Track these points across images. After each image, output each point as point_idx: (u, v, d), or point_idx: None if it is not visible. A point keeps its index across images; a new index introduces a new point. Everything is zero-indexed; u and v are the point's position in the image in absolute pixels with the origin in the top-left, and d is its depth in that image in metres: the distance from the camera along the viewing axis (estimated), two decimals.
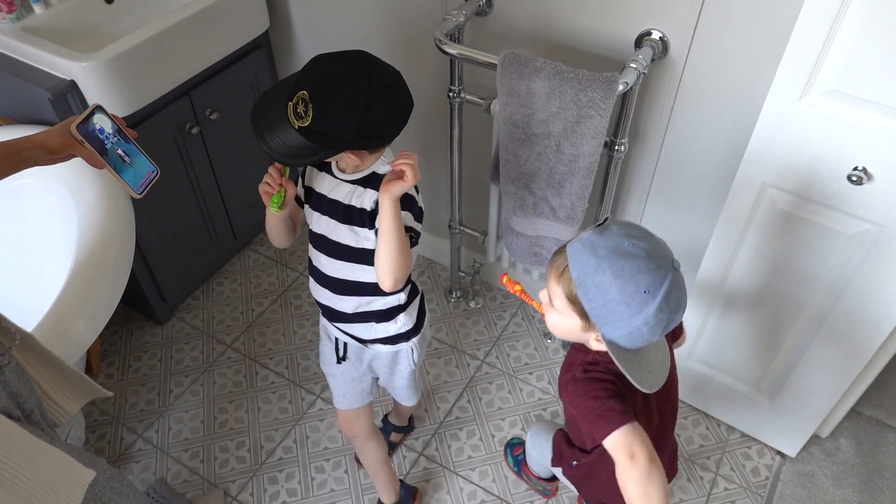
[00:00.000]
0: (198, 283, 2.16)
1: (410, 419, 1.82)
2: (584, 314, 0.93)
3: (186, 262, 2.03)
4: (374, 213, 1.13)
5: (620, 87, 1.28)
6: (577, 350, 1.08)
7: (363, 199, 1.15)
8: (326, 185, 1.18)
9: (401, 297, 1.26)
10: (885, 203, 1.20)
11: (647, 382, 0.95)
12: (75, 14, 1.68)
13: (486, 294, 2.15)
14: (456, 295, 2.13)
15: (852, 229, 1.27)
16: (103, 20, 1.74)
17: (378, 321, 1.27)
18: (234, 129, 1.96)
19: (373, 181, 1.14)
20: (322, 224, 1.20)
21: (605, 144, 1.45)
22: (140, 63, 1.55)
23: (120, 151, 0.98)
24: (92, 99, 1.52)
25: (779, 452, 1.78)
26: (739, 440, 1.81)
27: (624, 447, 0.91)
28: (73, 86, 1.51)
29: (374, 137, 1.04)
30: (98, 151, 0.95)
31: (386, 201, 1.05)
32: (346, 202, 1.16)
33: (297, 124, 1.00)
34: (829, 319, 1.42)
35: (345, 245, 1.19)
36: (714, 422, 1.84)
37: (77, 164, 1.01)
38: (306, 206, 1.24)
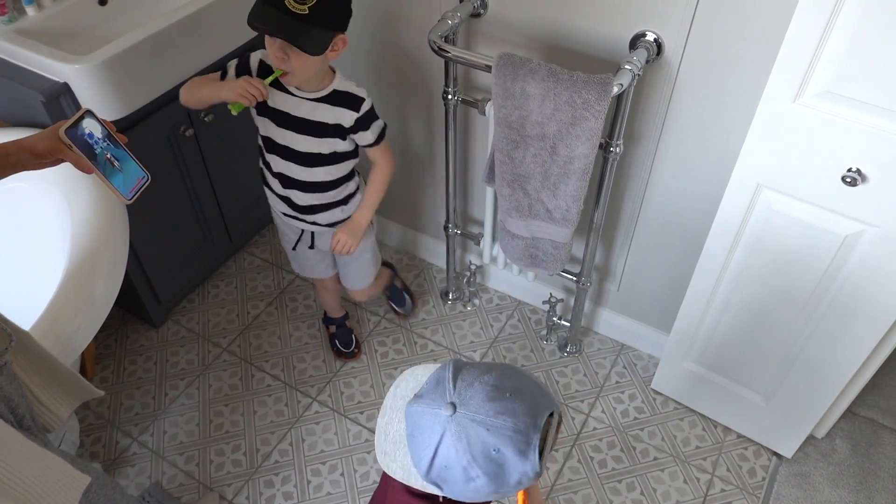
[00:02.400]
0: (193, 285, 2.15)
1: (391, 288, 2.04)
2: None
3: (181, 264, 2.02)
4: (350, 128, 1.40)
5: (615, 89, 1.28)
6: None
7: (339, 116, 1.38)
8: (290, 104, 1.37)
9: (357, 181, 1.56)
10: (879, 204, 1.21)
11: (384, 460, 0.88)
12: (68, 16, 1.67)
13: (482, 296, 2.14)
14: (451, 297, 2.13)
15: (846, 230, 1.28)
16: (97, 22, 1.73)
17: (341, 205, 1.56)
18: (229, 132, 1.95)
19: (340, 99, 1.37)
20: (287, 137, 1.41)
21: (600, 146, 1.45)
22: (134, 65, 1.54)
23: (109, 156, 0.97)
24: (85, 101, 1.52)
25: (775, 453, 1.78)
26: (736, 441, 1.81)
27: None
28: (66, 88, 1.50)
29: (350, 13, 1.26)
30: (87, 156, 0.94)
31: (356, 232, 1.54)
32: (317, 119, 1.37)
33: (304, 6, 1.16)
34: (824, 320, 1.42)
35: (317, 153, 1.42)
36: (710, 423, 1.84)
37: (71, 167, 1.00)
38: (262, 118, 1.41)
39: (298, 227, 1.60)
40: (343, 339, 1.98)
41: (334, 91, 1.37)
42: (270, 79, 1.31)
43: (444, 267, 2.12)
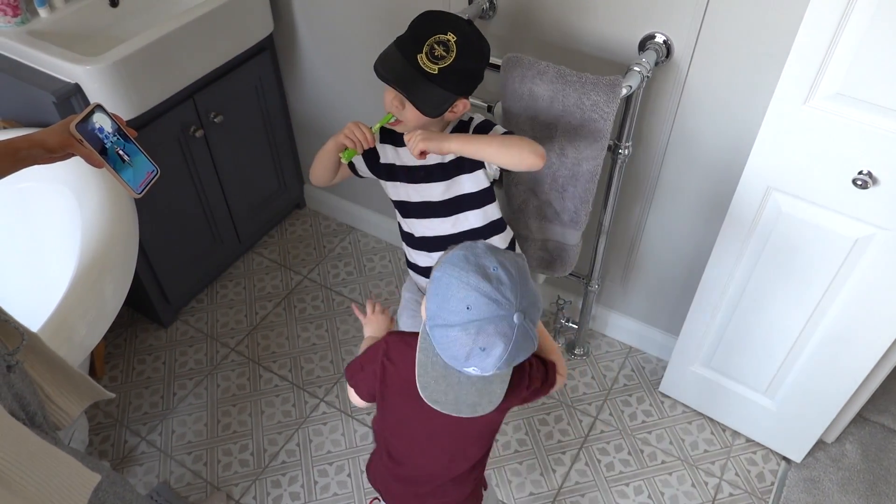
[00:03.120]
0: (202, 286, 2.16)
1: None
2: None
3: (190, 265, 2.03)
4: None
5: (624, 91, 1.28)
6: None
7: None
8: (409, 157, 1.29)
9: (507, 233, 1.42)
10: (890, 206, 1.20)
11: (426, 389, 0.96)
12: (80, 17, 1.69)
13: None
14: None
15: (857, 233, 1.27)
16: (108, 23, 1.74)
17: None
18: (238, 132, 1.96)
19: (456, 128, 1.29)
20: (422, 191, 1.32)
21: (609, 148, 1.45)
22: (144, 66, 1.55)
23: (119, 151, 0.97)
24: (96, 101, 1.53)
25: (784, 458, 1.77)
26: (744, 445, 1.80)
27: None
28: (77, 89, 1.51)
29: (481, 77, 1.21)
30: (97, 151, 0.94)
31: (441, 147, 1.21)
32: (443, 161, 1.29)
33: (435, 66, 1.13)
34: (834, 323, 1.41)
35: (466, 194, 1.32)
36: (719, 426, 1.83)
37: (81, 165, 1.00)
38: (390, 183, 1.35)
39: None
40: None
41: (459, 123, 1.31)
42: (379, 125, 1.26)
43: None
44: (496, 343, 0.90)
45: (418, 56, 1.14)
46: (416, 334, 1.02)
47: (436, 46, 1.13)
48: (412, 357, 0.98)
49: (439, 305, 0.92)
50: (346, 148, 1.24)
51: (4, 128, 1.71)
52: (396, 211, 1.40)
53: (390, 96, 1.21)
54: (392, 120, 1.25)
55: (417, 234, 1.38)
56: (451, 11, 1.53)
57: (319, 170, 1.36)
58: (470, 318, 0.89)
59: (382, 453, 1.20)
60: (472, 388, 0.97)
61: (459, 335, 0.90)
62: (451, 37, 1.13)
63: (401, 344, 1.07)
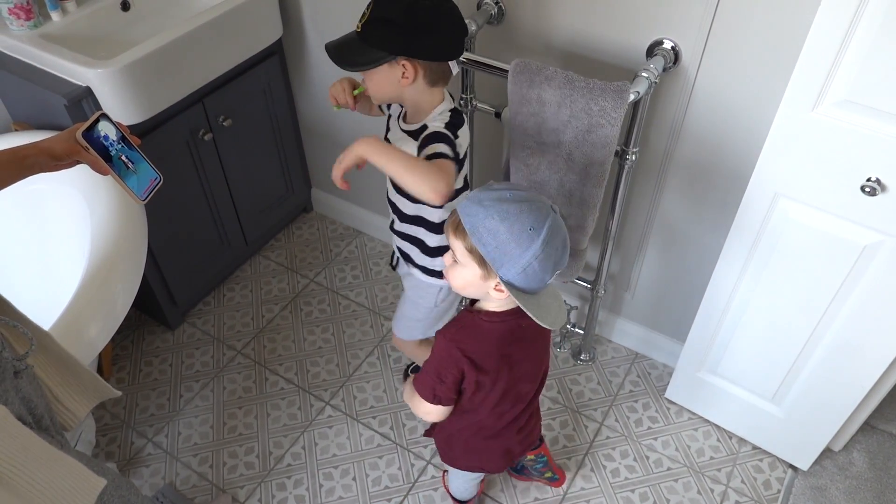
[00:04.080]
0: (209, 288, 2.17)
1: None
2: (482, 262, 1.02)
3: (198, 267, 2.04)
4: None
5: (631, 97, 1.28)
6: (467, 311, 1.17)
7: (406, 147, 1.24)
8: (392, 133, 1.34)
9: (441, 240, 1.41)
10: None
11: (547, 319, 1.05)
12: (92, 21, 1.70)
13: None
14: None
15: (866, 240, 1.26)
16: (119, 27, 1.76)
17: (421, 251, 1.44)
18: (247, 136, 1.97)
19: (421, 133, 1.24)
20: None
21: (616, 153, 1.45)
22: (155, 70, 1.56)
23: (124, 158, 0.99)
24: (106, 105, 1.54)
25: (791, 465, 1.76)
26: (751, 452, 1.79)
27: (426, 407, 1.19)
28: (88, 92, 1.52)
29: (423, 33, 1.15)
30: (103, 158, 0.96)
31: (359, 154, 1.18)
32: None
33: (358, 26, 1.17)
34: (841, 331, 1.41)
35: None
36: (725, 433, 1.83)
37: (89, 169, 1.01)
38: None
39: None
40: None
41: (423, 126, 1.26)
42: (356, 91, 1.33)
43: None
44: (562, 233, 1.02)
45: (358, 22, 1.19)
46: (456, 321, 1.15)
47: (366, 8, 1.18)
48: (482, 329, 1.11)
49: (503, 252, 0.99)
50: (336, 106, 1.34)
51: (16, 130, 1.73)
52: None
53: None
54: (363, 90, 1.30)
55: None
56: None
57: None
58: (539, 236, 0.98)
59: (498, 431, 1.28)
60: (552, 295, 1.11)
61: (540, 252, 0.98)
62: (371, 4, 1.17)
63: (460, 333, 1.13)
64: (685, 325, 1.74)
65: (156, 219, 1.69)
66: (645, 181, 1.62)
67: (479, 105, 1.61)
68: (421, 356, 1.77)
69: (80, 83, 1.53)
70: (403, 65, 1.19)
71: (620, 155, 1.46)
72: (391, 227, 1.49)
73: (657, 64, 1.33)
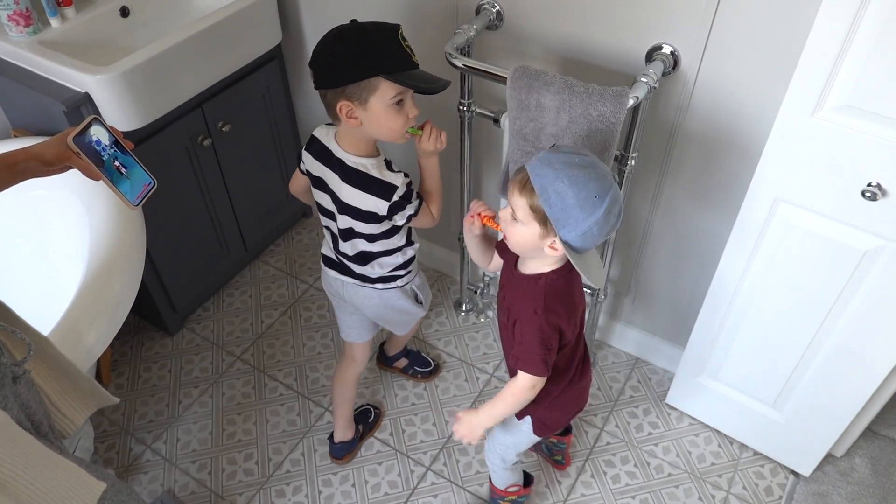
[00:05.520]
0: (208, 294, 2.17)
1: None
2: (544, 221, 1.07)
3: (197, 273, 2.04)
4: (386, 215, 1.32)
5: (631, 102, 1.28)
6: (528, 278, 1.19)
7: (370, 204, 1.31)
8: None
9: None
10: None
11: (596, 279, 1.12)
12: (91, 27, 1.70)
13: (494, 308, 2.14)
14: (465, 308, 2.12)
15: (866, 245, 1.26)
16: (119, 33, 1.76)
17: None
18: (246, 141, 1.97)
19: (373, 185, 1.30)
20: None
21: (616, 158, 1.45)
22: (154, 76, 1.56)
23: (117, 163, 0.98)
24: (105, 111, 1.54)
25: (792, 471, 1.75)
26: (752, 458, 1.78)
27: (529, 385, 1.20)
28: (87, 98, 1.52)
29: (334, 68, 1.18)
30: (95, 163, 0.94)
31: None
32: (357, 206, 1.33)
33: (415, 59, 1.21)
34: (843, 336, 1.40)
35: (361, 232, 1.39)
36: (726, 439, 1.82)
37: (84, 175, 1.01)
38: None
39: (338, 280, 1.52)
40: (418, 362, 1.95)
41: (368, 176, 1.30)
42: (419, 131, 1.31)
43: (458, 278, 2.12)
44: (620, 202, 1.07)
45: (413, 59, 1.20)
46: (534, 295, 1.16)
47: (405, 41, 1.20)
48: (558, 289, 1.16)
49: (567, 215, 1.03)
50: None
51: (16, 136, 1.73)
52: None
53: (405, 111, 1.24)
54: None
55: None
56: (459, 23, 1.54)
57: (478, 256, 1.37)
58: (603, 203, 1.02)
59: (583, 369, 1.34)
60: (593, 254, 1.17)
61: (602, 219, 1.03)
62: (399, 28, 1.21)
63: (547, 301, 1.16)
64: (685, 331, 1.73)
65: (155, 224, 1.69)
66: (644, 186, 1.61)
67: (478, 110, 1.61)
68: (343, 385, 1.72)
69: (78, 89, 1.53)
70: (340, 106, 1.23)
71: (620, 160, 1.46)
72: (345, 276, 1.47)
73: (656, 69, 1.33)
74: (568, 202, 1.02)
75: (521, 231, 1.11)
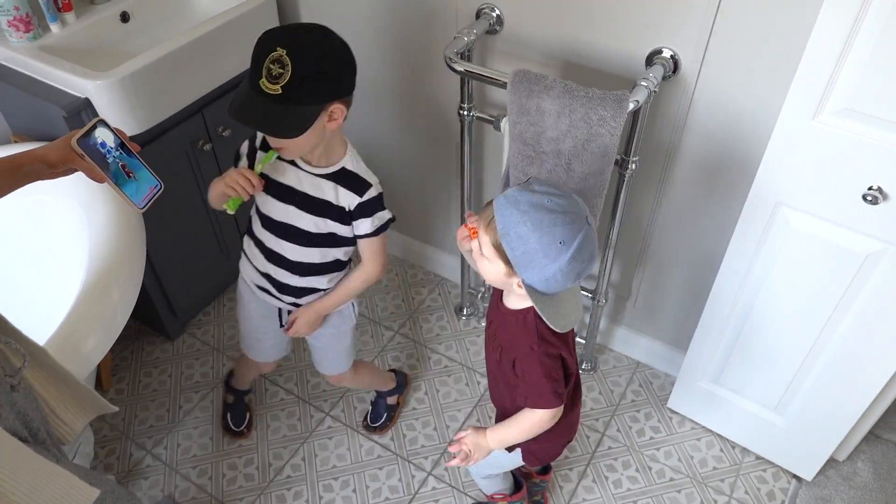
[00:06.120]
0: (209, 298, 2.17)
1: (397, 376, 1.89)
2: (508, 261, 1.03)
3: (198, 277, 2.03)
4: (352, 213, 1.27)
5: (631, 106, 1.28)
6: (515, 313, 1.16)
7: (340, 197, 1.26)
8: (292, 177, 1.26)
9: (348, 272, 1.42)
10: None
11: (559, 324, 1.06)
12: (91, 33, 1.71)
13: None
14: (466, 312, 2.12)
15: (867, 249, 1.25)
16: (119, 38, 1.76)
17: (323, 291, 1.41)
18: None
19: (346, 179, 1.24)
20: (284, 213, 1.28)
21: (616, 162, 1.44)
22: (154, 81, 1.56)
23: (122, 165, 0.97)
24: (106, 116, 1.54)
25: (795, 476, 1.74)
26: (754, 463, 1.77)
27: (549, 417, 1.18)
28: (87, 103, 1.52)
29: (346, 71, 1.12)
30: (99, 165, 0.94)
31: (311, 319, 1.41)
32: (319, 196, 1.26)
33: (277, 86, 1.04)
34: (845, 340, 1.40)
35: (308, 232, 1.29)
36: (728, 443, 1.81)
37: (89, 179, 1.01)
38: (263, 194, 1.29)
39: (273, 304, 1.46)
40: (237, 414, 1.84)
41: (343, 169, 1.24)
42: (261, 165, 1.20)
43: (459, 282, 2.11)
44: (591, 246, 1.02)
45: (260, 82, 1.05)
46: (526, 335, 1.13)
47: (272, 66, 1.04)
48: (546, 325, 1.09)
49: (529, 259, 0.99)
50: (230, 197, 1.19)
51: (16, 142, 1.73)
52: (255, 216, 1.36)
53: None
54: (274, 158, 1.20)
55: (267, 245, 1.35)
56: (459, 28, 1.54)
57: (216, 202, 1.30)
58: (569, 250, 0.98)
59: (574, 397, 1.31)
60: (571, 292, 1.12)
61: (566, 266, 0.99)
62: (280, 51, 1.04)
63: (541, 339, 1.13)
64: (687, 334, 1.73)
65: (155, 229, 1.69)
66: (645, 190, 1.61)
67: (478, 115, 1.61)
68: (368, 378, 1.75)
69: (79, 95, 1.53)
70: (332, 110, 1.12)
71: (620, 164, 1.45)
72: (267, 289, 1.42)
73: (657, 73, 1.33)
74: (530, 247, 0.98)
75: (487, 267, 1.07)
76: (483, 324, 2.11)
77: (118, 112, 1.53)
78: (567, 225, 0.98)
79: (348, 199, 1.26)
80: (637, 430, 1.85)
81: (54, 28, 1.64)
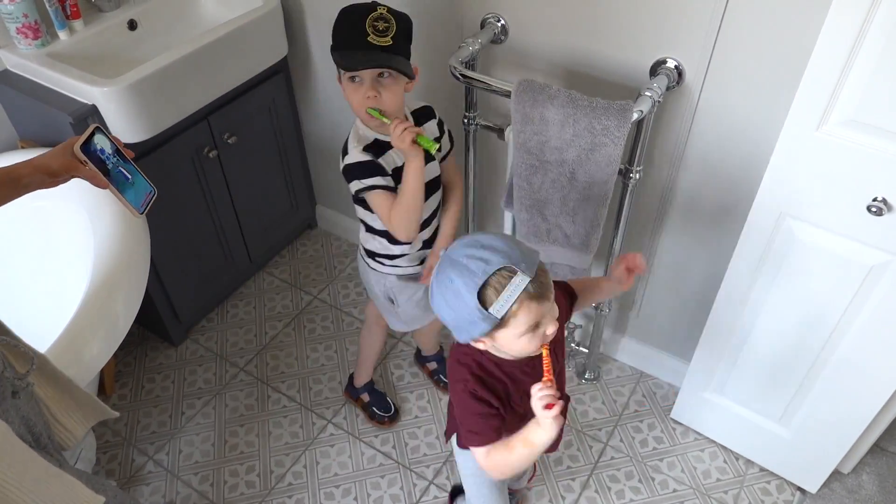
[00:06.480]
0: (212, 304, 2.17)
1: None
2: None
3: (201, 283, 2.04)
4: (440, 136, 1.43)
5: (635, 116, 1.28)
6: (460, 345, 1.11)
7: (433, 129, 1.43)
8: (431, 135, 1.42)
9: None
10: None
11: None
12: (99, 40, 1.72)
13: None
14: None
15: (872, 260, 1.25)
16: (126, 46, 1.77)
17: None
18: (252, 153, 1.98)
19: (423, 115, 1.41)
20: (428, 169, 1.37)
21: (620, 172, 1.44)
22: (160, 88, 1.57)
23: (121, 171, 0.98)
24: (112, 123, 1.55)
25: (799, 488, 1.73)
26: (758, 475, 1.76)
27: (481, 454, 1.10)
28: (94, 110, 1.53)
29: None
30: (101, 171, 0.94)
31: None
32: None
33: (387, 37, 1.21)
34: (849, 352, 1.39)
35: (438, 176, 1.45)
36: (732, 455, 1.80)
37: (89, 185, 1.01)
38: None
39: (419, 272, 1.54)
40: (380, 404, 1.88)
41: (413, 112, 1.39)
42: (386, 119, 1.27)
43: None
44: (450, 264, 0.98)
45: (368, 39, 1.20)
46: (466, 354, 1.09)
47: (376, 23, 1.20)
48: (494, 362, 1.07)
49: (458, 316, 0.97)
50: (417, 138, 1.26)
51: (23, 148, 1.74)
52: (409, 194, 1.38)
53: (363, 90, 1.25)
54: (381, 114, 1.28)
55: (426, 214, 1.42)
56: (464, 37, 1.55)
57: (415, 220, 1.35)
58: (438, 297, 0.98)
59: None
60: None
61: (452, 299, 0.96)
62: (381, 9, 1.21)
63: (477, 370, 1.09)
64: (691, 345, 1.72)
65: (160, 235, 1.69)
66: (649, 199, 1.61)
67: (482, 123, 1.61)
68: (366, 340, 1.79)
69: (86, 101, 1.54)
70: (415, 68, 1.27)
71: (624, 173, 1.45)
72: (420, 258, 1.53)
73: (661, 83, 1.33)
74: (445, 314, 1.00)
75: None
76: None
77: (125, 119, 1.54)
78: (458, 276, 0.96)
79: (435, 127, 1.42)
80: (640, 441, 1.84)
81: (62, 35, 1.65)
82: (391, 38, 1.21)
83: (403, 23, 1.24)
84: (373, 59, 1.22)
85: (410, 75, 1.26)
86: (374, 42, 1.21)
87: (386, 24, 1.21)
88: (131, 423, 1.89)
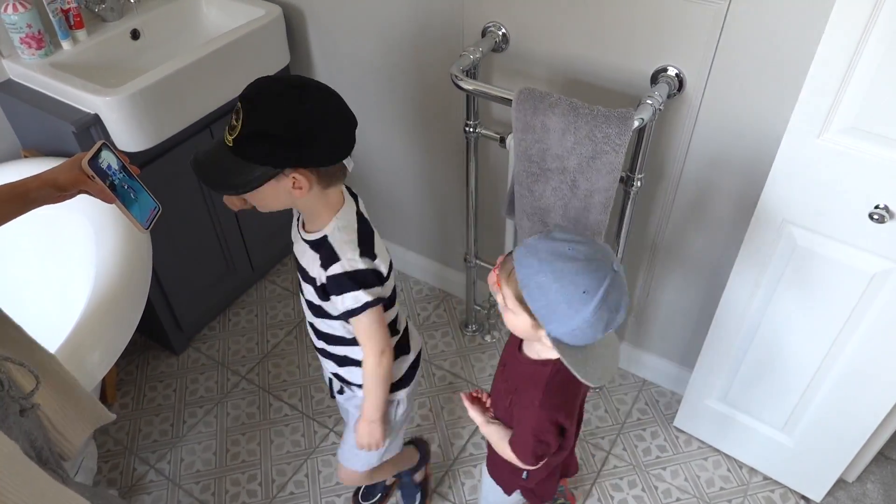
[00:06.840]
0: (214, 313, 2.17)
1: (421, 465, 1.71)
2: (532, 313, 0.98)
3: (203, 292, 2.04)
4: (324, 287, 1.12)
5: (636, 123, 1.28)
6: (534, 363, 1.12)
7: (316, 268, 1.12)
8: (296, 246, 1.19)
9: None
10: None
11: (592, 377, 1.00)
12: (102, 49, 1.73)
13: (501, 328, 2.13)
14: (471, 328, 2.11)
15: (875, 268, 1.25)
16: (129, 55, 1.78)
17: (349, 366, 1.28)
18: None
19: (323, 248, 1.11)
20: (301, 281, 1.22)
21: (621, 180, 1.44)
22: (163, 97, 1.58)
23: (126, 187, 0.99)
24: (114, 132, 1.55)
25: (803, 497, 1.72)
26: (762, 483, 1.75)
27: (521, 464, 1.16)
28: (96, 119, 1.54)
29: (308, 143, 0.98)
30: (108, 187, 0.96)
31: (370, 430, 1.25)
32: (304, 264, 1.16)
33: (229, 139, 0.98)
34: (853, 359, 1.38)
35: (311, 302, 1.19)
36: (735, 463, 1.79)
37: (95, 198, 1.02)
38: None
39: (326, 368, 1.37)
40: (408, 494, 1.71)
41: (324, 238, 1.12)
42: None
43: (465, 298, 2.11)
44: (617, 294, 0.95)
45: (225, 133, 1.01)
46: (541, 387, 1.08)
47: (232, 115, 0.99)
48: (565, 381, 1.06)
49: (552, 311, 0.94)
50: None
51: (26, 157, 1.75)
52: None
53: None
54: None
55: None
56: (464, 46, 1.55)
57: None
58: (593, 300, 0.92)
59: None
60: (605, 344, 1.04)
61: (591, 316, 0.93)
62: (240, 104, 0.99)
63: (551, 396, 1.09)
64: (694, 352, 1.72)
65: (162, 244, 1.69)
66: (650, 207, 1.61)
67: (483, 132, 1.62)
68: (387, 469, 1.56)
69: (88, 111, 1.54)
70: (294, 177, 1.01)
71: (625, 181, 1.45)
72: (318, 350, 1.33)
73: (662, 91, 1.33)
74: (551, 297, 0.93)
75: (513, 319, 1.03)
76: (488, 339, 2.10)
77: (127, 128, 1.54)
78: (590, 273, 0.92)
79: (318, 272, 1.12)
80: (643, 449, 1.83)
81: (66, 45, 1.66)
82: (233, 139, 0.98)
83: (253, 124, 0.96)
84: (198, 165, 1.03)
85: (218, 190, 1.03)
86: (226, 140, 1.00)
87: (235, 122, 0.98)
88: (133, 432, 1.89)
